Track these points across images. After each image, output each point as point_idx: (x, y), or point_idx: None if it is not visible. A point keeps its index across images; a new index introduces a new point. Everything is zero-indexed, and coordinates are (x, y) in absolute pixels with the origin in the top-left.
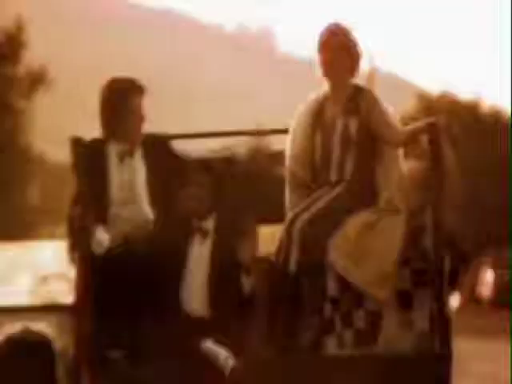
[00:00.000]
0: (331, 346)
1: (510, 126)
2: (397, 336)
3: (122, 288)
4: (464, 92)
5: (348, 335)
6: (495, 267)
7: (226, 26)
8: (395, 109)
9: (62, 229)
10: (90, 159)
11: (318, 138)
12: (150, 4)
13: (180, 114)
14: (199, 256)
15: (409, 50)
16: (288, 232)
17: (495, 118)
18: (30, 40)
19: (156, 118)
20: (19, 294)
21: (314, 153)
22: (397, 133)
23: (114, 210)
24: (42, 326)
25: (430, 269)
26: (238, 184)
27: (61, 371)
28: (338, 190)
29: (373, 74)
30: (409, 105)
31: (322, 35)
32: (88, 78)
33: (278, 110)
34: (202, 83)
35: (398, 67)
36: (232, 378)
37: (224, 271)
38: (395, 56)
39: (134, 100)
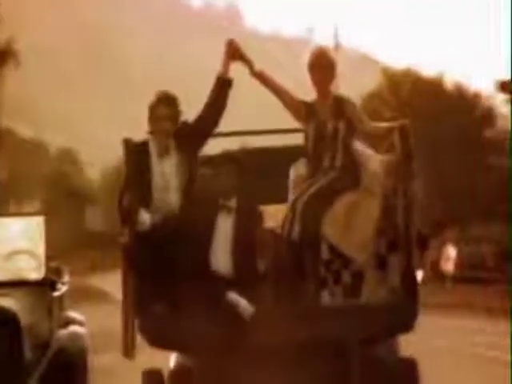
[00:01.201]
0: (325, 298)
1: (472, 102)
2: (375, 290)
3: (162, 255)
4: (428, 68)
5: (338, 290)
6: (458, 243)
7: (193, 3)
8: (360, 84)
9: (29, 205)
10: (136, 156)
11: (311, 133)
12: None
13: (147, 85)
14: (224, 228)
15: (374, 25)
16: (292, 210)
17: (458, 93)
18: (1, 14)
19: (131, 96)
20: None
21: (306, 143)
22: (374, 129)
23: (155, 195)
24: (9, 302)
25: (400, 239)
26: (252, 171)
27: (27, 345)
28: (328, 177)
29: (338, 49)
30: (374, 80)
31: (312, 57)
32: (64, 54)
33: (245, 86)
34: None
35: (364, 43)
36: (250, 321)
37: (243, 240)
38: (361, 31)
39: (161, 109)
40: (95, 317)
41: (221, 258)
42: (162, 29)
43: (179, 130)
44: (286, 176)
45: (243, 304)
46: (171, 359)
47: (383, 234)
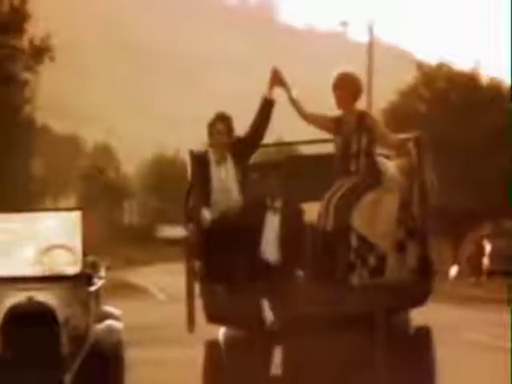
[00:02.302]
0: (354, 279)
1: (509, 97)
2: (396, 271)
3: (221, 245)
4: (462, 63)
5: (365, 271)
6: (493, 238)
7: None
8: (394, 78)
9: (65, 200)
10: (199, 164)
11: (339, 144)
12: None
13: (182, 85)
14: (272, 224)
15: (408, 20)
16: (326, 207)
17: (493, 88)
18: (35, 12)
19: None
20: (23, 264)
21: (336, 148)
22: (392, 139)
23: (214, 197)
24: (46, 297)
25: (416, 227)
26: (293, 175)
27: (64, 339)
28: (354, 179)
29: (372, 44)
30: (408, 75)
31: (336, 78)
32: (92, 49)
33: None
34: (202, 55)
35: (398, 38)
36: (294, 298)
37: (287, 235)
38: (395, 26)
39: (218, 125)
40: (131, 311)
41: (269, 249)
42: (195, 24)
43: (233, 143)
44: (320, 178)
45: (267, 311)
46: (220, 332)
47: (402, 224)
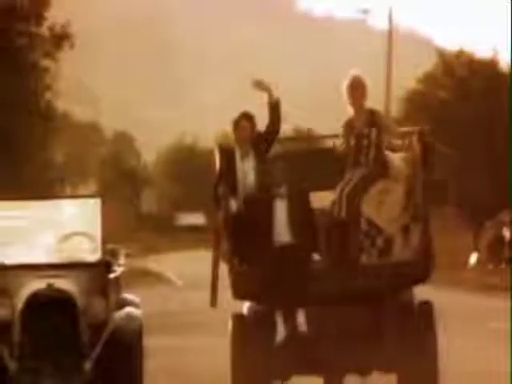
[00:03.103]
0: (364, 258)
1: None
2: (402, 250)
3: (244, 227)
4: (482, 50)
5: (374, 251)
6: None
7: None
8: (414, 66)
9: (85, 187)
10: (226, 158)
11: (352, 142)
12: None
13: (202, 73)
14: (280, 208)
15: (428, 7)
16: (340, 195)
17: None
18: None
19: (183, 79)
20: (43, 251)
21: (348, 149)
22: (396, 129)
23: (239, 186)
24: (66, 283)
25: (419, 212)
26: (302, 166)
27: (84, 327)
28: (364, 170)
29: (392, 32)
30: (429, 62)
31: (351, 80)
32: (113, 37)
33: (299, 67)
34: (221, 43)
35: (418, 25)
36: (308, 276)
37: (295, 217)
38: (415, 14)
39: (243, 123)
40: (150, 298)
41: (280, 231)
42: (214, 13)
43: (254, 139)
44: (326, 169)
45: (280, 328)
46: (244, 307)
47: (406, 210)
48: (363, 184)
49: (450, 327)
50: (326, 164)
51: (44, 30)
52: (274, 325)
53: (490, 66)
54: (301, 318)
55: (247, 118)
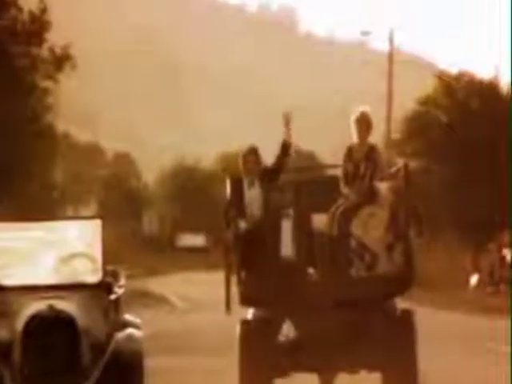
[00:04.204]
0: (353, 272)
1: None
2: (386, 265)
3: (252, 244)
4: (482, 71)
5: (362, 266)
6: None
7: (247, 6)
8: (415, 87)
9: (86, 209)
10: (236, 186)
11: (350, 169)
12: None
13: (203, 90)
14: (287, 228)
15: (429, 29)
16: (332, 217)
17: None
18: (55, 21)
19: (184, 100)
20: (44, 273)
21: (345, 175)
22: (387, 171)
23: (247, 211)
24: (66, 305)
25: (402, 234)
26: (305, 192)
27: (84, 348)
28: (356, 196)
29: (393, 53)
30: (429, 83)
31: (358, 117)
32: (112, 57)
33: (301, 88)
34: (221, 64)
35: (419, 47)
36: (305, 286)
37: (298, 236)
38: (416, 35)
39: (250, 157)
40: (151, 320)
41: (285, 248)
42: (216, 33)
43: (261, 171)
44: (327, 196)
45: (285, 329)
46: (248, 313)
47: (390, 231)
48: (353, 208)
49: (450, 348)
50: (325, 190)
51: (44, 51)
52: (274, 328)
53: (490, 87)
54: (291, 324)
55: (253, 152)
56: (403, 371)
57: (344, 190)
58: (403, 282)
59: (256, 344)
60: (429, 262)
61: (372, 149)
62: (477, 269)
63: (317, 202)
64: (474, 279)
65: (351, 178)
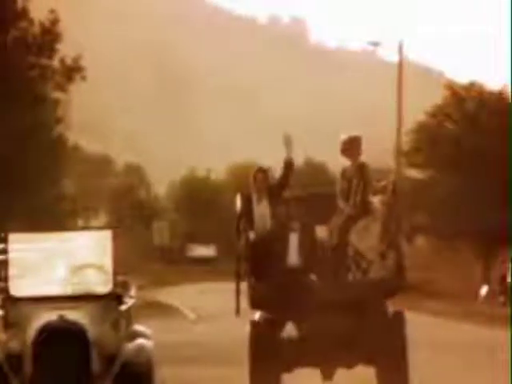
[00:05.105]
0: (350, 276)
1: None
2: (379, 271)
3: (261, 253)
4: (492, 83)
5: (358, 273)
6: None
7: (258, 18)
8: (425, 98)
9: (96, 220)
10: (246, 201)
11: (345, 185)
12: None
13: (212, 102)
14: (294, 239)
15: (439, 39)
16: (332, 229)
17: None
18: (65, 32)
19: (194, 111)
20: (55, 283)
21: (341, 192)
22: (375, 184)
23: (256, 223)
24: (77, 315)
25: (393, 242)
26: (307, 206)
27: (95, 358)
28: (351, 210)
29: (402, 64)
30: (438, 94)
31: (345, 140)
32: (124, 69)
33: (311, 98)
34: (234, 76)
35: (428, 57)
36: (308, 291)
37: (304, 246)
38: (425, 45)
39: (259, 176)
40: (162, 330)
41: (292, 257)
42: (228, 44)
43: (268, 188)
44: (327, 209)
45: (288, 328)
46: (256, 315)
47: (383, 240)
48: (350, 221)
49: (460, 359)
50: (325, 204)
51: (55, 62)
52: (280, 328)
53: (499, 98)
54: (292, 324)
55: (262, 171)
56: (395, 365)
57: (341, 204)
58: (394, 285)
59: (264, 342)
60: (440, 272)
61: (361, 166)
62: (487, 279)
63: (318, 215)
64: (484, 290)
65: (346, 193)
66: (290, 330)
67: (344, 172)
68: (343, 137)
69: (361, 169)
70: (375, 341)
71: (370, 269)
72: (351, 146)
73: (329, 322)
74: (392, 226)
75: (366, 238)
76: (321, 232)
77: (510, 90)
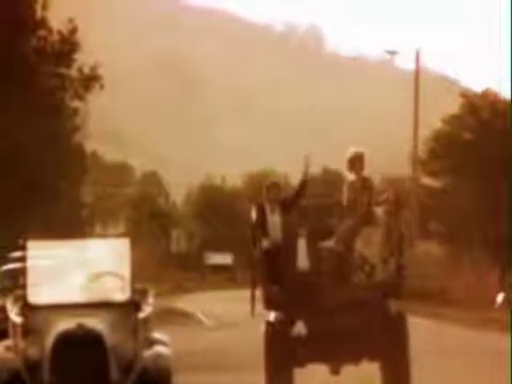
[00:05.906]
0: (356, 279)
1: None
2: (382, 274)
3: (275, 260)
4: (506, 91)
5: (362, 275)
6: None
7: (273, 26)
8: (440, 106)
9: (114, 227)
10: (260, 211)
11: (351, 197)
12: (200, 4)
13: (229, 109)
14: (302, 246)
15: (455, 48)
16: (339, 235)
17: None
18: (84, 41)
19: (213, 119)
20: (73, 291)
21: (348, 202)
22: (379, 196)
23: (270, 232)
24: (95, 323)
25: (395, 248)
26: (316, 215)
27: (113, 366)
28: (357, 218)
29: (419, 72)
30: (454, 103)
31: (351, 156)
32: (142, 78)
33: (327, 106)
34: (250, 84)
35: (444, 66)
36: (318, 294)
37: (311, 251)
38: (441, 54)
39: (272, 189)
40: (180, 338)
41: (301, 260)
42: (244, 53)
43: (281, 201)
44: (334, 218)
45: (298, 326)
46: (270, 315)
47: (386, 247)
48: (356, 228)
49: (477, 366)
50: (333, 213)
51: (74, 71)
52: (292, 327)
53: None
54: (302, 323)
55: (275, 185)
56: (398, 360)
57: (347, 213)
58: (395, 287)
59: (277, 340)
60: (456, 280)
61: (366, 180)
62: (503, 287)
63: (326, 224)
64: (500, 297)
65: (352, 204)
66: (299, 328)
67: (350, 185)
68: (349, 155)
69: (365, 182)
70: (380, 338)
71: (373, 272)
72: (356, 162)
73: (336, 320)
74: (394, 234)
75: (369, 245)
76: (328, 239)
77: None
